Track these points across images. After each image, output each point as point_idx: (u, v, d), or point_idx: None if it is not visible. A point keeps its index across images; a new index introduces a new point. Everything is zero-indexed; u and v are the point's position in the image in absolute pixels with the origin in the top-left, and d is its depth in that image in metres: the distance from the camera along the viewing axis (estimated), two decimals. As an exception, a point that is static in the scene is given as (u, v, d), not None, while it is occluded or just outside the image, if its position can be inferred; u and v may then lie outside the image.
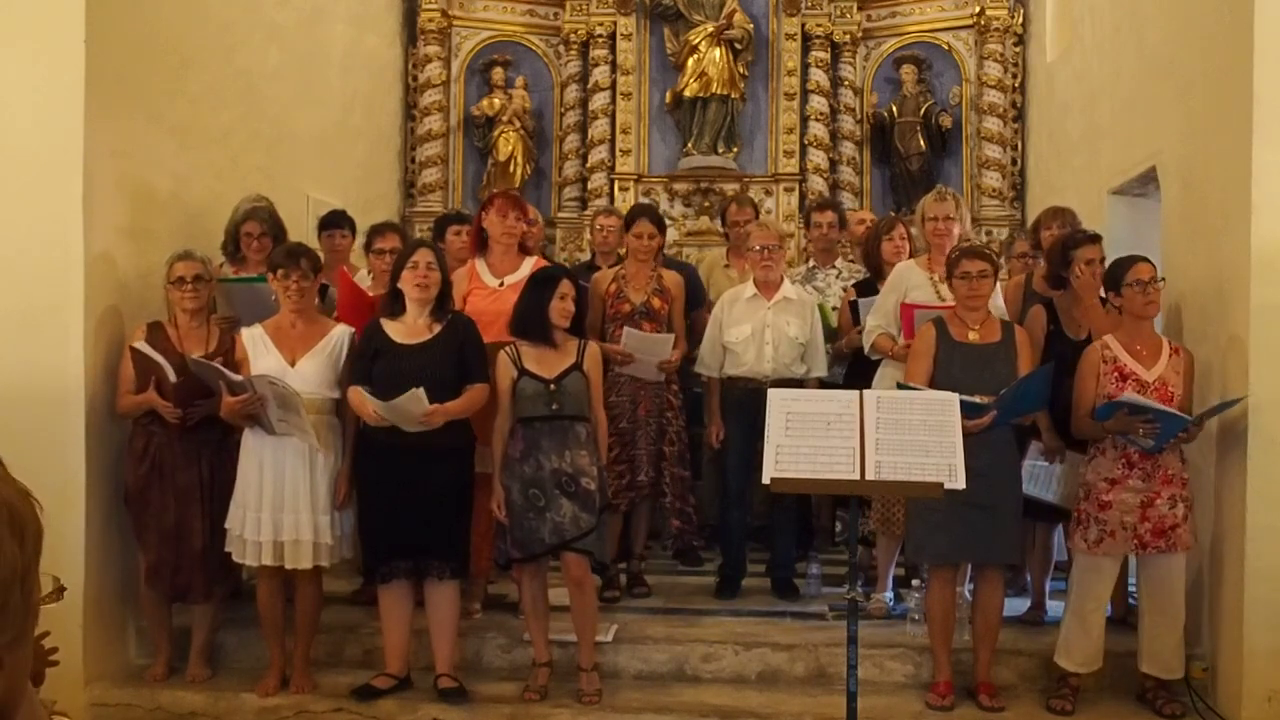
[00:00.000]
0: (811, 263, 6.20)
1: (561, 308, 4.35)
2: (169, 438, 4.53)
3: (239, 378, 4.29)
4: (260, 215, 5.14)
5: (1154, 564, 4.33)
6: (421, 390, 4.11)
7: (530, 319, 4.39)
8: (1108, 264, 4.59)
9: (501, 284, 4.92)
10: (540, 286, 4.42)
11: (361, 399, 4.24)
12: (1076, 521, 4.39)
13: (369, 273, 5.39)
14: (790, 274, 5.77)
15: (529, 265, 4.96)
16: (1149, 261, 4.38)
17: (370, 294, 4.96)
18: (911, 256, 5.30)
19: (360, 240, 5.60)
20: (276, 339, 4.42)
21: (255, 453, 4.38)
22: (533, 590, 4.42)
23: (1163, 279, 4.38)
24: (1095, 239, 4.84)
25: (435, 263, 4.37)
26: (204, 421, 4.52)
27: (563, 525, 4.26)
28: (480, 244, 5.05)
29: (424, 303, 4.35)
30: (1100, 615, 4.39)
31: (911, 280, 5.01)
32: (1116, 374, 4.32)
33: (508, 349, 4.40)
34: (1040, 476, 4.70)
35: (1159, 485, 4.26)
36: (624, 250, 5.84)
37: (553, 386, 4.31)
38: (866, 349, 5.11)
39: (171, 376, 4.43)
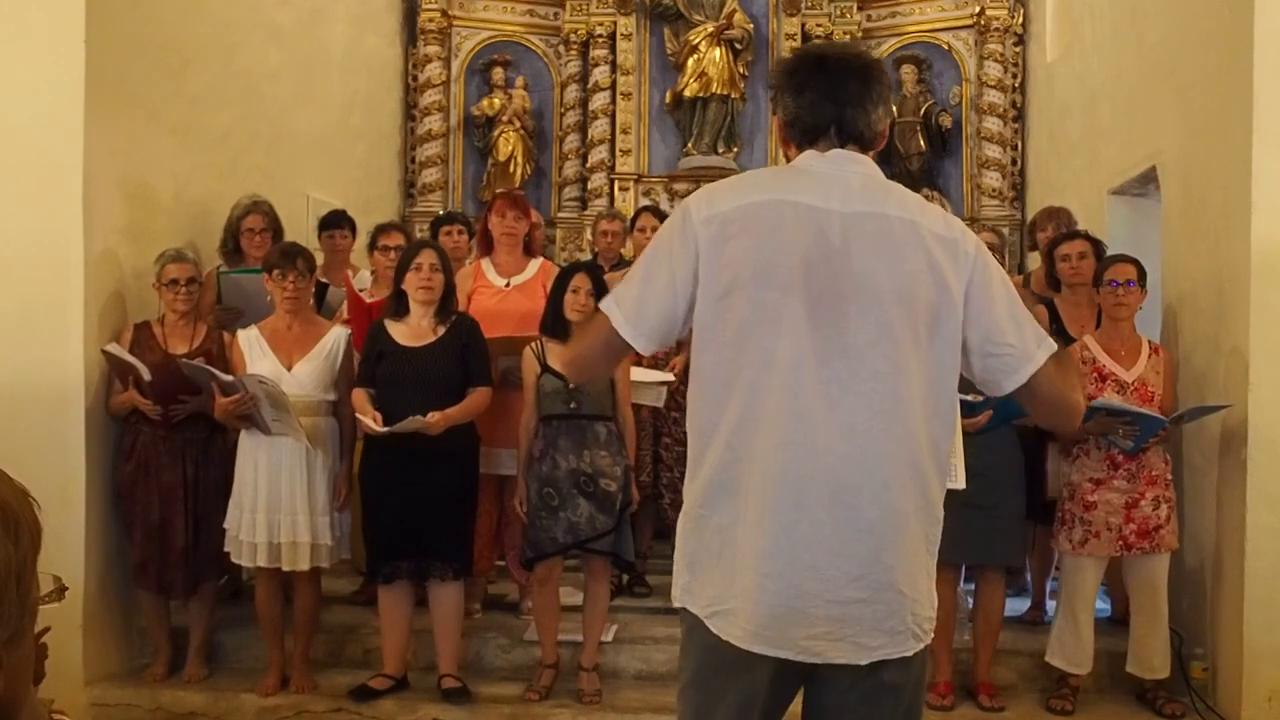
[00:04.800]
0: None
1: (573, 301, 4.32)
2: (154, 436, 4.54)
3: (230, 378, 4.29)
4: (262, 209, 5.15)
5: (1138, 565, 4.34)
6: (419, 417, 4.11)
7: (551, 316, 4.38)
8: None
9: (507, 284, 4.92)
10: (559, 282, 4.43)
11: (362, 405, 4.24)
12: (1061, 521, 4.39)
13: (371, 272, 5.40)
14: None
15: (535, 267, 4.99)
16: (1130, 262, 4.37)
17: (367, 299, 4.96)
18: None
19: (364, 240, 5.61)
20: (273, 342, 4.42)
21: (251, 454, 4.38)
22: (545, 592, 4.40)
23: (1135, 284, 4.33)
24: (1075, 235, 4.85)
25: (439, 264, 4.35)
26: (190, 420, 4.53)
27: (578, 525, 4.22)
28: (487, 245, 5.06)
29: (428, 304, 4.34)
30: (1089, 615, 4.38)
31: None
32: (1096, 374, 4.33)
33: (533, 345, 4.39)
34: None
35: (1143, 486, 4.27)
36: (625, 252, 5.84)
37: (571, 385, 4.26)
38: None
39: (146, 376, 4.42)
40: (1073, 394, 2.11)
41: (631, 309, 2.04)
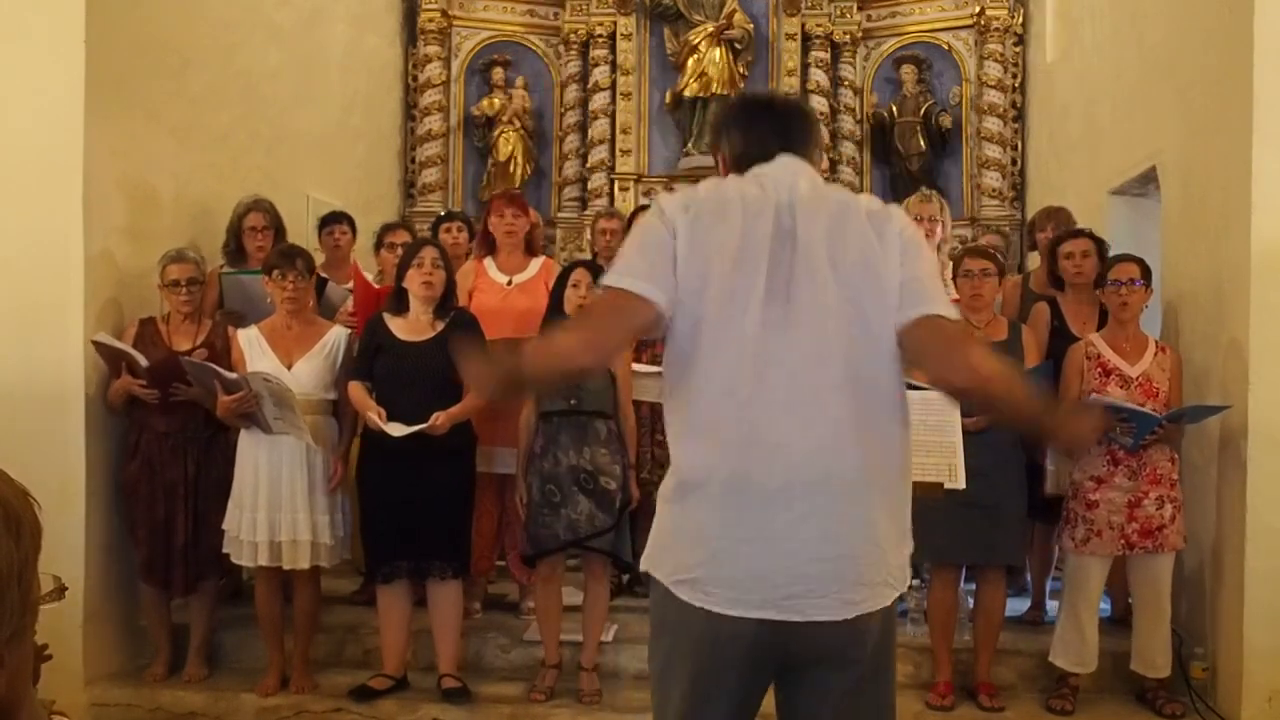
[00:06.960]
0: None
1: (573, 295, 4.32)
2: (157, 434, 4.55)
3: (233, 376, 4.29)
4: (263, 206, 5.16)
5: (1142, 564, 4.33)
6: (423, 424, 4.12)
7: (553, 312, 4.38)
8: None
9: (510, 282, 4.94)
10: (560, 279, 4.44)
11: (364, 400, 4.25)
12: (1065, 520, 4.39)
13: (379, 272, 5.40)
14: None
15: (537, 265, 5.01)
16: (1134, 262, 4.37)
17: (376, 286, 4.96)
18: None
19: (368, 240, 5.62)
20: (272, 341, 4.42)
21: (251, 454, 4.38)
22: (548, 591, 4.40)
23: (1140, 283, 4.33)
24: (1077, 234, 4.85)
25: (441, 260, 4.37)
26: (193, 419, 4.54)
27: (578, 523, 4.21)
28: (489, 249, 5.08)
29: (429, 300, 4.34)
30: (1092, 615, 4.38)
31: None
32: (1100, 369, 4.34)
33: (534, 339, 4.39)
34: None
35: (1146, 485, 4.26)
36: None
37: None
38: None
39: (142, 361, 4.43)
40: (965, 347, 2.15)
41: (643, 271, 2.08)
